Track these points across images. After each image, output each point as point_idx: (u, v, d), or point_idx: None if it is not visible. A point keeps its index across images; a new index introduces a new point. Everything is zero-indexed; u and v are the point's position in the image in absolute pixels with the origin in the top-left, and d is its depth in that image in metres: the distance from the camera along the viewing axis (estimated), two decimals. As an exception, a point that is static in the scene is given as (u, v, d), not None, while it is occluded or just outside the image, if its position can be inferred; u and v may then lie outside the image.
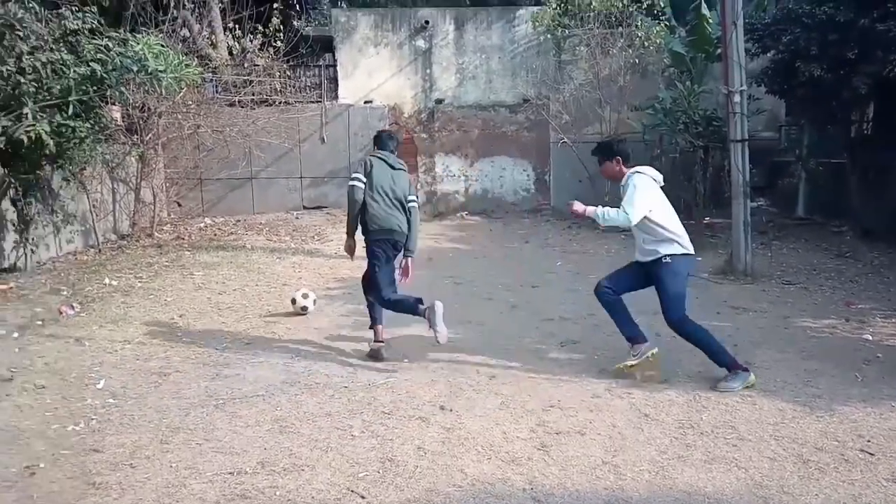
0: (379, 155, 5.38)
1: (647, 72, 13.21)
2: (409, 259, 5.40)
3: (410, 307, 5.16)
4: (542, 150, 14.35)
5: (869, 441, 3.79)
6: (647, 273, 4.85)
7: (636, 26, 12.74)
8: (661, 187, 4.93)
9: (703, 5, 11.76)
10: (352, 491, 3.31)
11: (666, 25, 12.55)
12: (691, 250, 4.78)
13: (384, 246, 5.20)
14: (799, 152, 12.47)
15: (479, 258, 9.70)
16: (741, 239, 8.06)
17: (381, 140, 5.51)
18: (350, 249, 5.50)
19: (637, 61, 12.87)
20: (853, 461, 3.57)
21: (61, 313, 6.42)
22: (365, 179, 5.22)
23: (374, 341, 5.37)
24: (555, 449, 3.74)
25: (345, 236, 5.54)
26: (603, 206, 4.86)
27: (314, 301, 6.68)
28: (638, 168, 4.94)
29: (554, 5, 13.12)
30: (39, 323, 6.13)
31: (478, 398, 4.48)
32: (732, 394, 4.48)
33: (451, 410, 4.27)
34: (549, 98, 13.68)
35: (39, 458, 3.64)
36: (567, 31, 13.37)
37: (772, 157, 13.38)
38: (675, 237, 4.73)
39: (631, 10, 12.84)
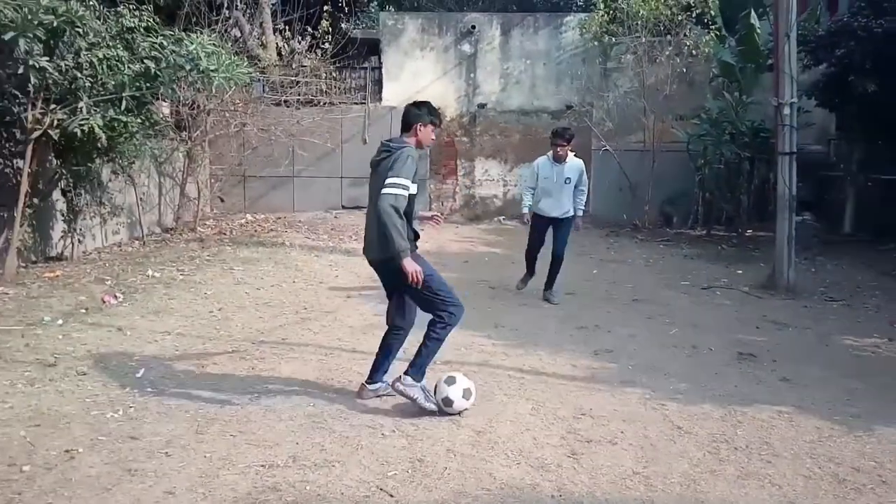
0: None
1: (694, 81, 13.05)
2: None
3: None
4: (584, 156, 14.07)
5: (909, 465, 3.68)
6: (552, 223, 7.30)
7: (685, 35, 12.59)
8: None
9: (754, 16, 11.56)
10: (381, 489, 3.33)
11: (716, 34, 12.37)
12: None
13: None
14: (848, 167, 12.17)
15: (515, 263, 9.63)
16: (784, 253, 7.89)
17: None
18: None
19: (684, 70, 12.73)
20: (891, 483, 3.47)
21: (105, 302, 6.60)
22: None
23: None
24: (585, 457, 3.72)
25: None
26: (579, 209, 7.41)
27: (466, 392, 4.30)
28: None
29: (602, 12, 13.03)
30: (83, 311, 6.30)
31: (509, 402, 4.48)
32: (768, 410, 4.39)
33: (481, 414, 4.27)
34: (593, 105, 13.61)
35: (79, 442, 3.74)
36: (614, 39, 13.27)
37: (819, 172, 13.06)
38: None
39: (680, 18, 12.69)
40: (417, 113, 4.38)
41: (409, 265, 4.07)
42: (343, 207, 14.03)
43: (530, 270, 7.66)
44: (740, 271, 9.13)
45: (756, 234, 11.59)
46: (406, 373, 4.23)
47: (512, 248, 10.85)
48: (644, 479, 3.49)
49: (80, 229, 8.63)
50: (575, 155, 7.28)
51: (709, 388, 4.79)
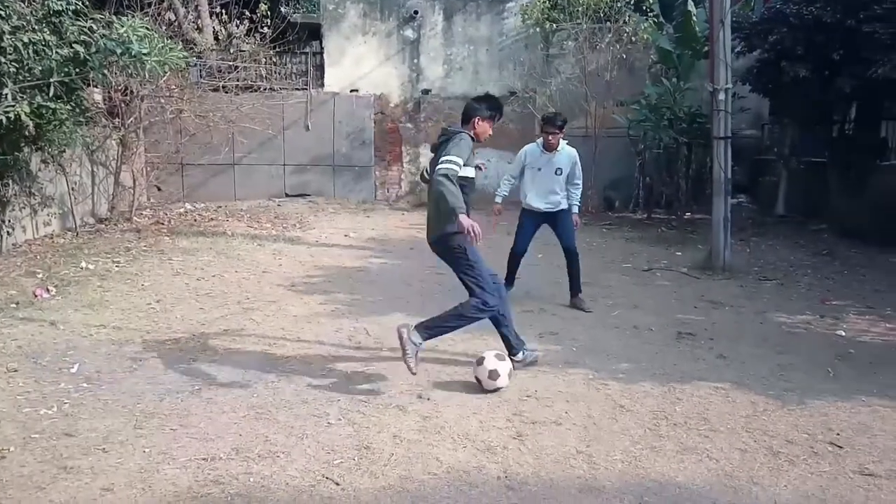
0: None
1: (633, 68, 13.27)
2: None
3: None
4: (528, 142, 14.31)
5: (838, 434, 3.85)
6: (543, 220, 6.66)
7: (624, 22, 12.77)
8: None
9: (691, 3, 11.81)
10: (326, 478, 3.30)
11: (654, 22, 12.59)
12: None
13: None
14: (781, 151, 12.59)
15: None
16: (721, 235, 8.13)
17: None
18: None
19: (624, 57, 12.92)
20: (822, 454, 3.62)
21: (36, 296, 6.35)
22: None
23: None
24: (530, 438, 3.76)
25: None
26: (574, 204, 6.69)
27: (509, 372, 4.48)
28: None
29: (543, -1, 13.12)
30: (14, 305, 6.06)
31: (456, 387, 4.49)
32: (706, 386, 4.52)
33: (428, 399, 4.28)
34: (536, 91, 13.69)
35: (10, 441, 3.60)
36: (555, 25, 13.38)
37: (754, 156, 13.51)
38: None
39: (619, 5, 12.87)
40: (476, 107, 4.56)
41: (465, 220, 4.16)
42: (286, 195, 13.82)
43: (509, 279, 6.66)
44: (679, 253, 9.37)
45: (694, 217, 11.90)
46: (418, 325, 4.35)
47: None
48: (587, 457, 3.56)
49: (10, 221, 8.26)
50: (568, 143, 6.55)
51: (649, 367, 4.90)
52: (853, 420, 4.05)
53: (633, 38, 12.75)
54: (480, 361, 4.41)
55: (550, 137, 6.37)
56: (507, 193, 6.84)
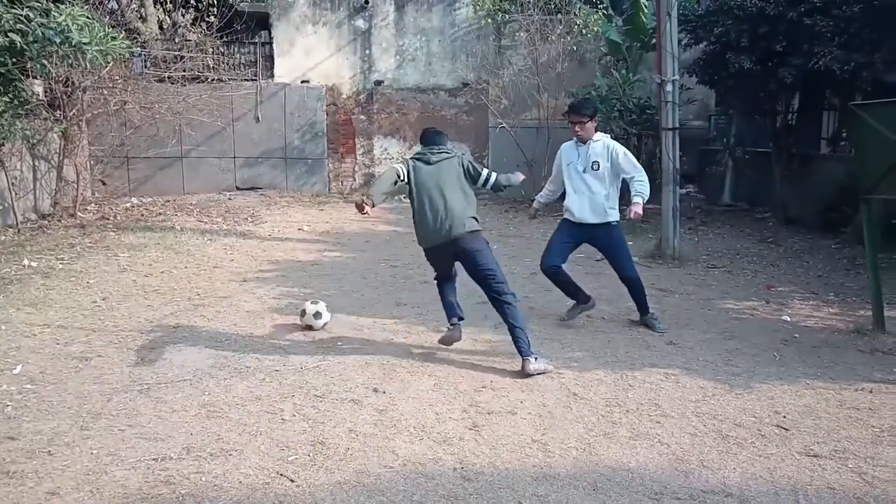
0: (416, 155, 4.87)
1: (584, 59, 13.42)
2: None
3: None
4: (481, 134, 14.42)
5: (784, 417, 3.97)
6: (585, 235, 5.54)
7: (574, 14, 12.88)
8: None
9: (640, -6, 11.97)
10: (281, 475, 3.26)
11: (603, 14, 12.73)
12: None
13: (434, 256, 4.94)
14: (727, 141, 12.90)
15: (416, 241, 9.67)
16: (670, 224, 8.29)
17: (424, 137, 4.99)
18: (360, 207, 4.84)
19: (575, 48, 13.04)
20: (769, 436, 3.73)
21: (-25, 296, 6.11)
22: (405, 180, 4.73)
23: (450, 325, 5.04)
24: (486, 429, 3.78)
25: None
26: (635, 189, 5.43)
27: (316, 313, 5.44)
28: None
29: (494, -11, 13.13)
30: (-49, 306, 5.82)
31: (411, 380, 4.48)
32: (657, 373, 4.62)
33: (384, 392, 4.26)
34: (489, 83, 13.74)
35: (-52, 446, 3.46)
36: (507, 17, 13.42)
37: (701, 146, 13.81)
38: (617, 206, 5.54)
39: (570, -3, 12.97)
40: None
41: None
42: (237, 189, 13.59)
43: (570, 291, 5.75)
44: (630, 242, 9.38)
45: (645, 207, 12.08)
46: (525, 354, 4.57)
47: (413, 226, 10.86)
48: (542, 445, 3.59)
49: (-56, 218, 7.93)
50: (607, 134, 5.73)
51: (602, 356, 4.98)
52: (798, 403, 4.18)
53: (584, 30, 12.86)
54: (303, 313, 5.39)
55: (577, 128, 5.38)
56: (543, 202, 6.07)
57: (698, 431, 3.78)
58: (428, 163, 4.77)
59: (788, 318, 6.03)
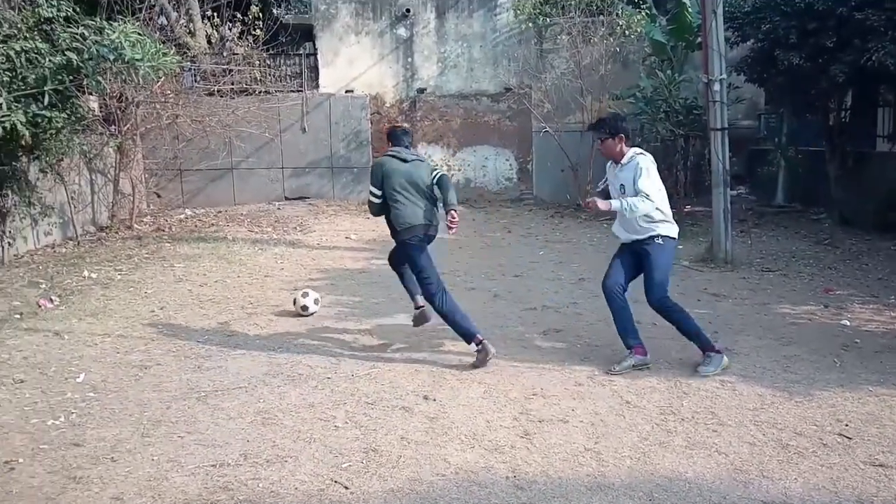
0: (390, 153, 5.14)
1: (628, 60, 13.26)
2: (453, 211, 4.96)
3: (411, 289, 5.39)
4: (525, 139, 14.37)
5: (847, 425, 3.85)
6: (634, 253, 4.83)
7: (617, 15, 12.76)
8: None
9: (684, -7, 11.80)
10: (335, 481, 3.31)
11: (646, 14, 12.58)
12: (676, 234, 4.82)
13: (416, 241, 5.03)
14: (778, 140, 12.60)
15: (462, 247, 9.71)
16: (721, 227, 8.13)
17: (394, 136, 5.24)
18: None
19: (618, 50, 12.90)
20: (831, 445, 3.62)
21: (40, 306, 6.34)
22: (379, 192, 5.04)
23: (416, 307, 5.37)
24: (537, 437, 3.76)
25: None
26: (626, 202, 4.61)
27: (316, 300, 6.26)
28: (640, 150, 4.81)
29: (534, -7, 13.10)
30: (18, 317, 6.05)
31: (461, 387, 4.49)
32: (712, 380, 4.52)
33: (434, 400, 4.28)
34: (531, 87, 13.70)
35: (19, 452, 3.60)
36: (548, 20, 13.36)
37: (751, 146, 13.51)
38: (668, 219, 4.77)
39: (612, -2, 12.85)
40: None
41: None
42: (286, 199, 13.81)
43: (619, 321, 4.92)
44: (680, 246, 9.24)
45: (694, 210, 11.90)
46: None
47: (457, 232, 10.88)
48: (595, 454, 3.56)
49: (10, 231, 8.25)
50: (640, 153, 4.80)
51: (654, 361, 4.89)
52: (861, 410, 4.05)
53: (627, 31, 12.71)
54: (294, 302, 6.22)
55: (601, 146, 4.95)
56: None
57: (757, 441, 3.69)
58: (404, 161, 5.08)
59: (848, 323, 5.84)
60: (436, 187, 5.04)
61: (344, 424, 3.94)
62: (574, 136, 13.14)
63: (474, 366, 4.81)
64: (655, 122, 11.48)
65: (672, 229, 4.77)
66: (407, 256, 5.13)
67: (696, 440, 3.70)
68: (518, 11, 13.63)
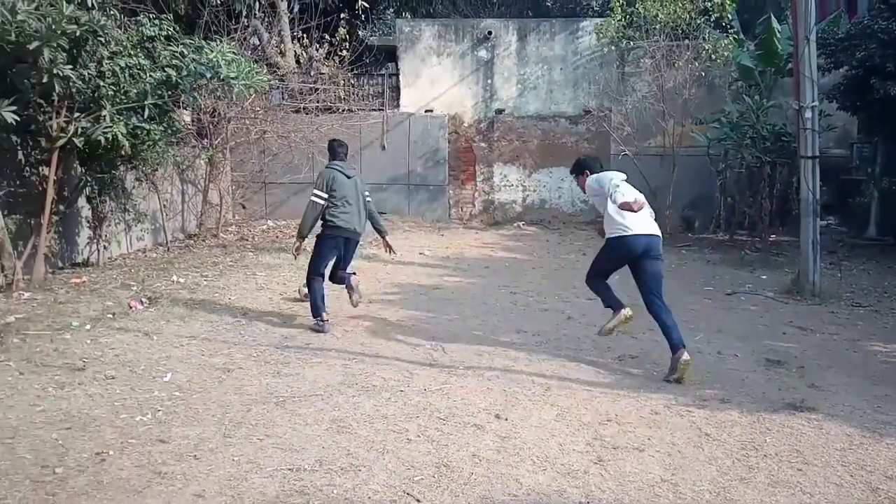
0: (337, 167, 6.27)
1: (713, 85, 12.99)
2: (386, 237, 6.81)
3: (340, 279, 6.59)
4: (603, 162, 14.13)
5: (944, 473, 3.62)
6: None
7: (703, 39, 12.54)
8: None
9: (773, 19, 11.50)
10: (408, 494, 3.33)
11: (734, 39, 12.31)
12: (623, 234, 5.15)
13: (338, 241, 6.30)
14: (871, 171, 12.02)
15: (536, 268, 9.66)
16: (809, 258, 7.81)
17: (333, 150, 6.42)
18: (298, 250, 6.63)
19: (703, 74, 12.67)
20: (927, 493, 3.41)
21: (131, 307, 6.67)
22: (326, 195, 6.15)
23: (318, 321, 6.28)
24: (612, 464, 3.69)
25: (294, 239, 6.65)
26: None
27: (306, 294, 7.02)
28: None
29: (619, 17, 13.01)
30: (110, 316, 6.37)
31: (533, 408, 4.46)
32: (797, 417, 4.34)
33: (506, 419, 4.26)
34: (611, 110, 13.58)
35: (109, 445, 3.78)
36: (631, 43, 13.25)
37: (842, 175, 12.94)
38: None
39: (698, 22, 12.63)
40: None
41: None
42: (362, 213, 14.08)
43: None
44: (764, 276, 9.05)
45: (779, 239, 11.48)
46: None
47: (531, 253, 10.87)
48: (672, 486, 3.46)
49: (106, 235, 8.74)
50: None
51: (736, 395, 4.73)
52: (960, 457, 3.80)
53: (713, 55, 12.48)
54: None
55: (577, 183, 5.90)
56: None
57: (844, 482, 3.51)
58: (347, 176, 6.28)
59: (947, 365, 5.51)
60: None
61: (416, 438, 3.97)
62: (654, 160, 12.94)
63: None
64: (741, 147, 11.18)
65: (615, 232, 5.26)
66: (320, 246, 6.30)
67: (780, 478, 3.56)
68: (601, 35, 13.59)
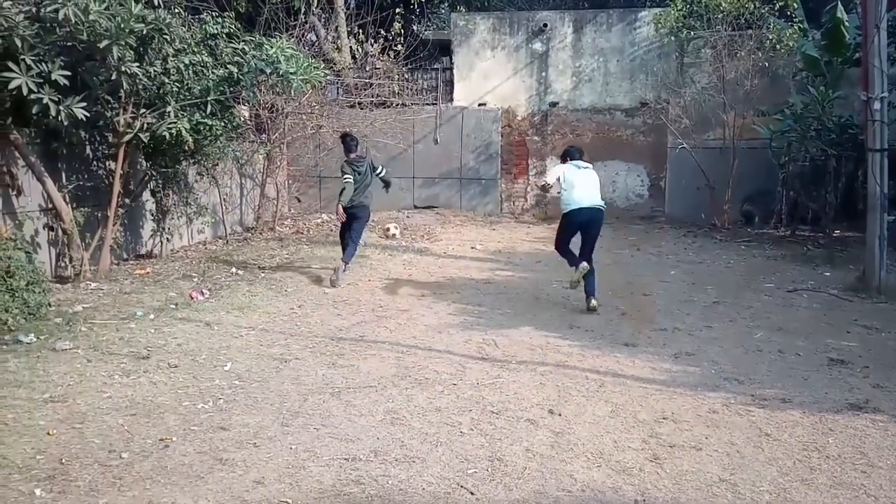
0: (355, 164, 7.90)
1: (776, 76, 12.58)
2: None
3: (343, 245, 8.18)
4: (659, 155, 13.95)
5: None
6: None
7: (767, 28, 12.15)
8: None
9: (840, 7, 11.06)
10: (461, 486, 3.36)
11: (799, 28, 11.90)
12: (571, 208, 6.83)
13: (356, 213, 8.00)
14: (945, 164, 11.47)
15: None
16: (876, 254, 7.52)
17: (347, 144, 8.03)
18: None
19: (766, 65, 12.27)
20: None
21: (192, 298, 6.88)
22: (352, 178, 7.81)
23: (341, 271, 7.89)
24: (668, 462, 3.65)
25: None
26: None
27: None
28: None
29: (679, 6, 12.71)
30: (173, 306, 6.58)
31: (587, 404, 4.43)
32: (861, 418, 4.20)
33: (559, 415, 4.25)
34: (669, 102, 13.29)
35: (172, 432, 3.92)
36: (692, 33, 12.93)
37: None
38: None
39: (762, 11, 12.24)
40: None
41: None
42: (415, 207, 14.18)
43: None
44: (828, 273, 8.76)
45: (844, 235, 11.08)
46: None
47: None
48: (731, 486, 3.40)
49: (168, 228, 9.01)
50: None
51: (797, 394, 4.61)
52: None
53: (777, 45, 12.08)
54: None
55: None
56: None
57: (913, 487, 3.39)
58: (359, 173, 7.83)
59: None
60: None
61: (469, 431, 4.00)
62: (713, 153, 12.63)
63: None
64: (805, 140, 10.81)
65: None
66: (353, 221, 8.01)
67: (843, 480, 3.45)
68: (660, 25, 13.30)
